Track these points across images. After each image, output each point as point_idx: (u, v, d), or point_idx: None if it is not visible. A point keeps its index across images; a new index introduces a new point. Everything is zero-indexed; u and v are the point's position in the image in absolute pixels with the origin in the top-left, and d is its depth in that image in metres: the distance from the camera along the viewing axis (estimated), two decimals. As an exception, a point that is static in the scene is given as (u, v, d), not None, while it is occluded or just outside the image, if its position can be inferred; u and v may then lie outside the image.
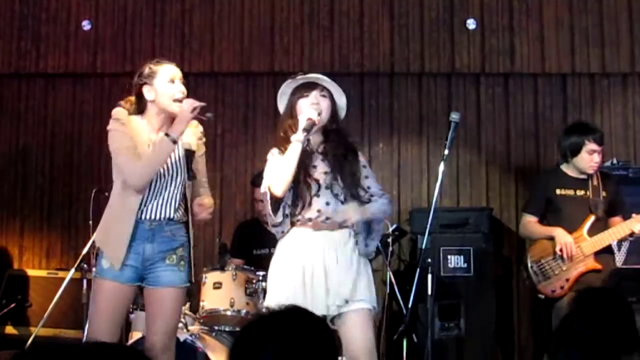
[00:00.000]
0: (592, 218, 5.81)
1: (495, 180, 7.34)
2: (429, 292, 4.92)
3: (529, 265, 5.92)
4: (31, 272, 7.11)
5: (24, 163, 7.58)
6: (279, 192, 4.51)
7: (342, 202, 4.58)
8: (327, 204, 4.57)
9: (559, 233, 5.84)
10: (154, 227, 4.63)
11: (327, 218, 4.56)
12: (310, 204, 4.57)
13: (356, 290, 4.50)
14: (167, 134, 4.52)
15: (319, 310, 4.46)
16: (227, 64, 7.46)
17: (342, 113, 4.78)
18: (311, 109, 4.56)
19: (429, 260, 4.77)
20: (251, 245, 6.60)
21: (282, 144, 4.60)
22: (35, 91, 7.66)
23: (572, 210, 5.90)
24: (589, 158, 5.94)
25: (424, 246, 4.91)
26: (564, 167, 6.06)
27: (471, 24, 7.34)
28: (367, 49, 7.38)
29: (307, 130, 4.50)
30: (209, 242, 7.24)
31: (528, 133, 7.34)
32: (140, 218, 4.62)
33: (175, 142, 4.54)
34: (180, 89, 4.64)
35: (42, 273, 7.06)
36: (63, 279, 6.22)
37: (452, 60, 7.35)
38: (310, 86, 4.67)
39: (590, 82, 7.44)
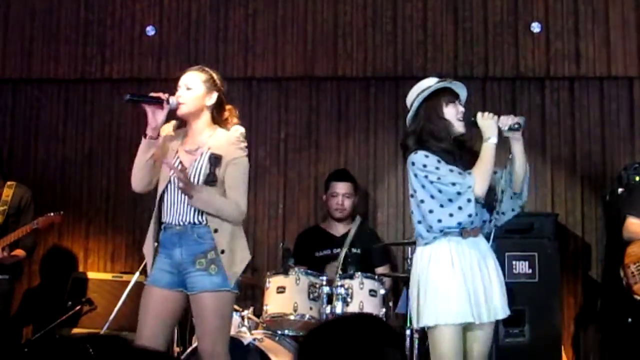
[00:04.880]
0: None
1: (561, 185, 7.24)
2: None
3: (628, 266, 5.84)
4: (96, 275, 7.17)
5: (90, 167, 7.65)
6: (481, 192, 4.54)
7: (483, 206, 4.60)
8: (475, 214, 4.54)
9: None
10: (180, 231, 4.66)
11: (472, 222, 4.53)
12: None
13: (499, 303, 4.52)
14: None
15: (484, 319, 4.46)
16: (291, 68, 7.46)
17: None
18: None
19: (494, 265, 4.73)
20: (313, 248, 6.65)
21: (435, 145, 4.62)
22: (100, 96, 7.73)
23: None
24: None
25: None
26: None
27: (536, 27, 7.24)
28: (430, 53, 7.33)
29: (516, 129, 4.67)
30: (272, 246, 7.26)
31: (594, 137, 7.23)
32: (168, 223, 4.71)
33: (145, 137, 4.79)
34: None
35: (107, 276, 7.11)
36: (127, 282, 6.30)
37: (516, 64, 7.26)
38: (454, 94, 4.76)
39: (658, 85, 7.31)
